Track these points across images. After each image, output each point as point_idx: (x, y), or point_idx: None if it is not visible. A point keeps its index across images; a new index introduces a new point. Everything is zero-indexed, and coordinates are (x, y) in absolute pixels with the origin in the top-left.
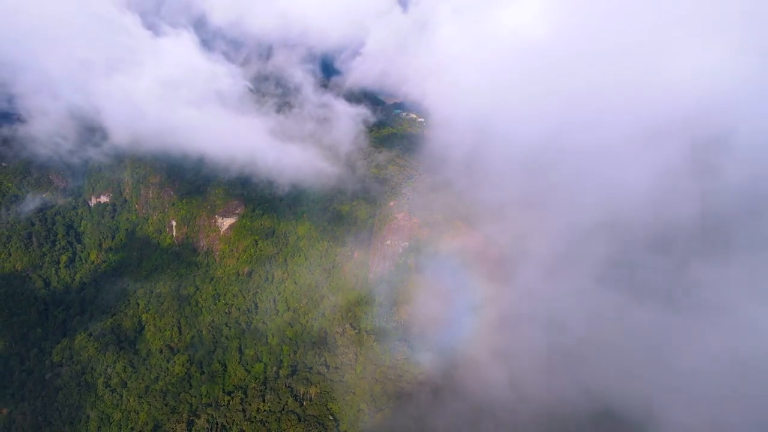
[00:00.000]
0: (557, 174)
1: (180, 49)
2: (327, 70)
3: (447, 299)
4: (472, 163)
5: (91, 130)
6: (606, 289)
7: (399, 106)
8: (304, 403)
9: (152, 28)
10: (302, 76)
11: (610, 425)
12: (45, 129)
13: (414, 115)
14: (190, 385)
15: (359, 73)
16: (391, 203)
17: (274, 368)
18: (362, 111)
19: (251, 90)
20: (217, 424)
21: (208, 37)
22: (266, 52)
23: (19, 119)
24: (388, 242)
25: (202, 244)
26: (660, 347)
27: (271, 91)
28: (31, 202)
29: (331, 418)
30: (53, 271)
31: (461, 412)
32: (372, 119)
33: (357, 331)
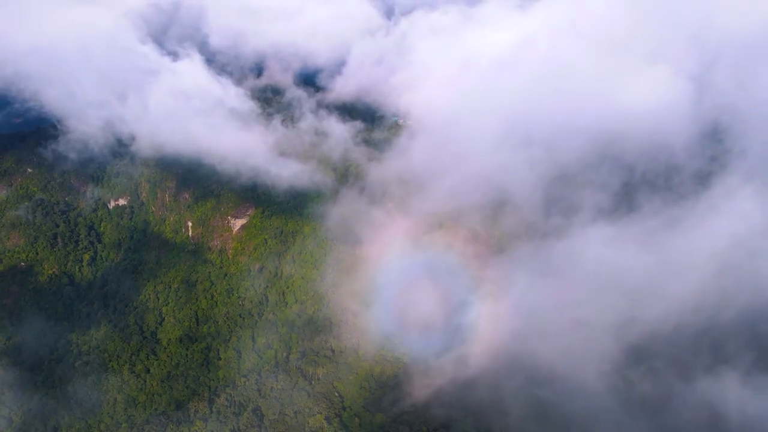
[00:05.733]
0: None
1: (189, 71)
2: (322, 84)
3: (440, 291)
4: (457, 166)
5: (112, 140)
6: None
7: (393, 113)
8: (313, 382)
9: (167, 54)
10: (300, 92)
11: None
12: (70, 138)
13: (410, 122)
14: (208, 370)
15: (351, 86)
16: (390, 204)
17: (285, 354)
18: (359, 118)
19: (255, 105)
20: (235, 401)
21: (211, 59)
22: (263, 70)
23: (48, 129)
24: (387, 240)
25: (216, 243)
26: None
27: (272, 105)
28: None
29: (337, 394)
30: (77, 269)
31: (451, 391)
32: (368, 126)
33: (359, 319)
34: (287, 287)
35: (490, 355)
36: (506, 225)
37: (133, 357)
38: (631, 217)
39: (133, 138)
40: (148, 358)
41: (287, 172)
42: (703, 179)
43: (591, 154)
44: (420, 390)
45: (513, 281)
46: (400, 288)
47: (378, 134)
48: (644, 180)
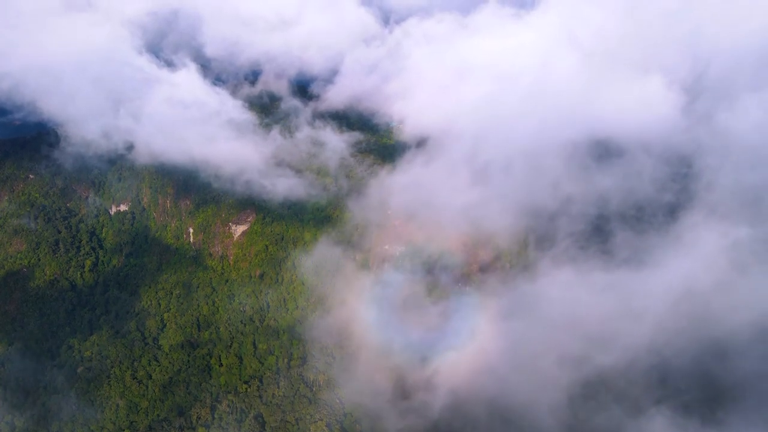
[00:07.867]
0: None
1: (188, 81)
2: (318, 92)
3: (439, 298)
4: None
5: (113, 147)
6: None
7: (388, 119)
8: (314, 389)
9: (164, 66)
10: (296, 101)
11: None
12: (71, 145)
13: (406, 128)
14: (210, 376)
15: (346, 94)
16: (389, 210)
17: (286, 360)
18: (355, 126)
19: (252, 115)
20: (236, 408)
21: (206, 65)
22: (259, 75)
23: (49, 136)
24: (387, 246)
25: (217, 249)
26: None
27: (270, 114)
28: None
29: (338, 401)
30: (79, 275)
31: (448, 397)
32: (366, 134)
33: (359, 325)
34: (288, 293)
35: (455, 388)
36: (484, 258)
37: (134, 363)
38: (597, 258)
39: (133, 145)
40: (149, 364)
41: (286, 182)
42: (673, 214)
43: (570, 180)
44: (420, 396)
45: (484, 318)
46: (395, 296)
47: (375, 141)
48: (616, 215)
